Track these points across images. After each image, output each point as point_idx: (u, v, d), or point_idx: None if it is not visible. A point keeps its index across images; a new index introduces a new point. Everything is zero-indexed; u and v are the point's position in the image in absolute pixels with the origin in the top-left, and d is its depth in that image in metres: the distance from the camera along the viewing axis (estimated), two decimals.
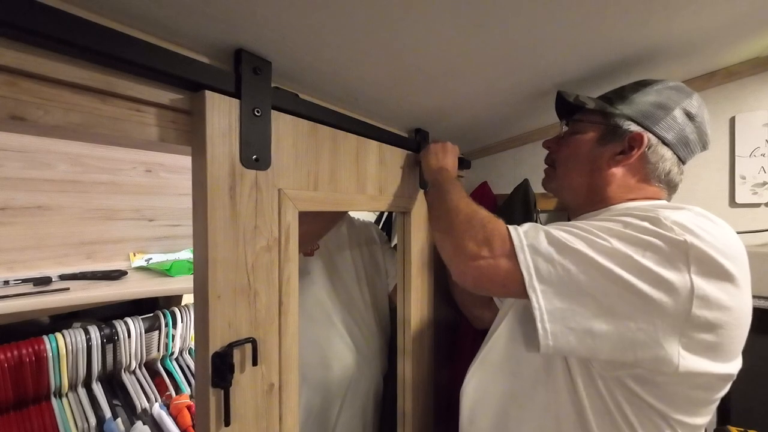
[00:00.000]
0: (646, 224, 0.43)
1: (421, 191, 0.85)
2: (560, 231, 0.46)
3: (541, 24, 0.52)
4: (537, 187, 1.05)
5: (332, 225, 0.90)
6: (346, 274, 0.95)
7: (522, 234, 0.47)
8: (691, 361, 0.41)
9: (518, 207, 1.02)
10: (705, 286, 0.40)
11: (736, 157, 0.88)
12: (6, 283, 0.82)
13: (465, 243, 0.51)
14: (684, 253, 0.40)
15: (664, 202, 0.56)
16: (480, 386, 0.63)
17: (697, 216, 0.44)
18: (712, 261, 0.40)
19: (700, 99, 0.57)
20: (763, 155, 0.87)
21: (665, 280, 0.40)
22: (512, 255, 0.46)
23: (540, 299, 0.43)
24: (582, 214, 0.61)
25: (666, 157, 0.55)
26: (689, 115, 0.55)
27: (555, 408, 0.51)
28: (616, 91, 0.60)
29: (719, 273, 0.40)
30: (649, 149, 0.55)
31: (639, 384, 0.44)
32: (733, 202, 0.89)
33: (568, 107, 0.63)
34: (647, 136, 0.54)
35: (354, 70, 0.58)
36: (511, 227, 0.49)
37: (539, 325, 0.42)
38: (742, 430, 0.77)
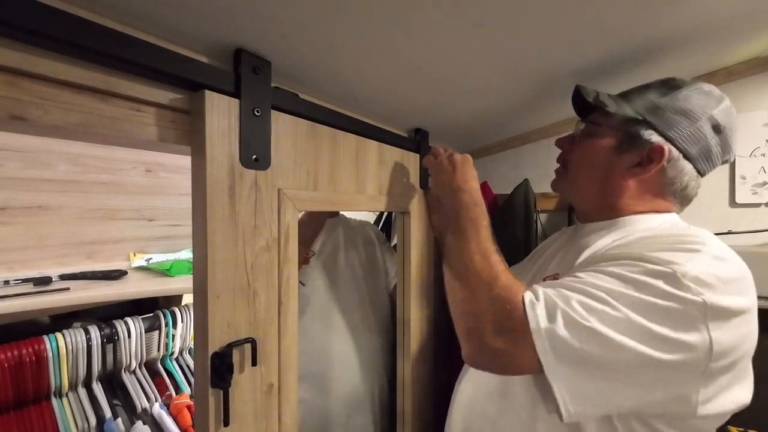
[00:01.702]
0: (660, 284, 0.40)
1: (421, 191, 0.85)
2: (576, 304, 0.42)
3: (541, 24, 0.52)
4: (537, 187, 1.05)
5: (319, 228, 0.92)
6: (344, 276, 0.95)
7: (539, 315, 0.43)
8: (710, 406, 0.41)
9: (518, 207, 1.02)
10: (722, 338, 0.39)
11: (736, 157, 0.88)
12: (6, 283, 0.82)
13: (482, 327, 0.46)
14: (702, 314, 0.39)
15: (677, 232, 0.51)
16: (473, 399, 0.61)
17: (713, 261, 0.42)
18: (728, 310, 0.39)
19: (729, 105, 0.52)
20: (763, 155, 0.87)
21: (684, 343, 0.39)
22: (529, 341, 0.42)
23: (561, 388, 0.41)
24: (588, 222, 0.59)
25: (685, 170, 0.52)
26: (716, 127, 0.51)
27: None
28: (639, 90, 0.56)
29: (735, 315, 0.40)
30: (668, 163, 0.51)
31: (654, 417, 0.44)
32: (733, 202, 0.89)
33: (585, 104, 0.58)
34: (668, 149, 0.50)
35: (354, 70, 0.58)
36: (527, 302, 0.44)
37: (563, 408, 0.41)
38: (742, 430, 0.77)
